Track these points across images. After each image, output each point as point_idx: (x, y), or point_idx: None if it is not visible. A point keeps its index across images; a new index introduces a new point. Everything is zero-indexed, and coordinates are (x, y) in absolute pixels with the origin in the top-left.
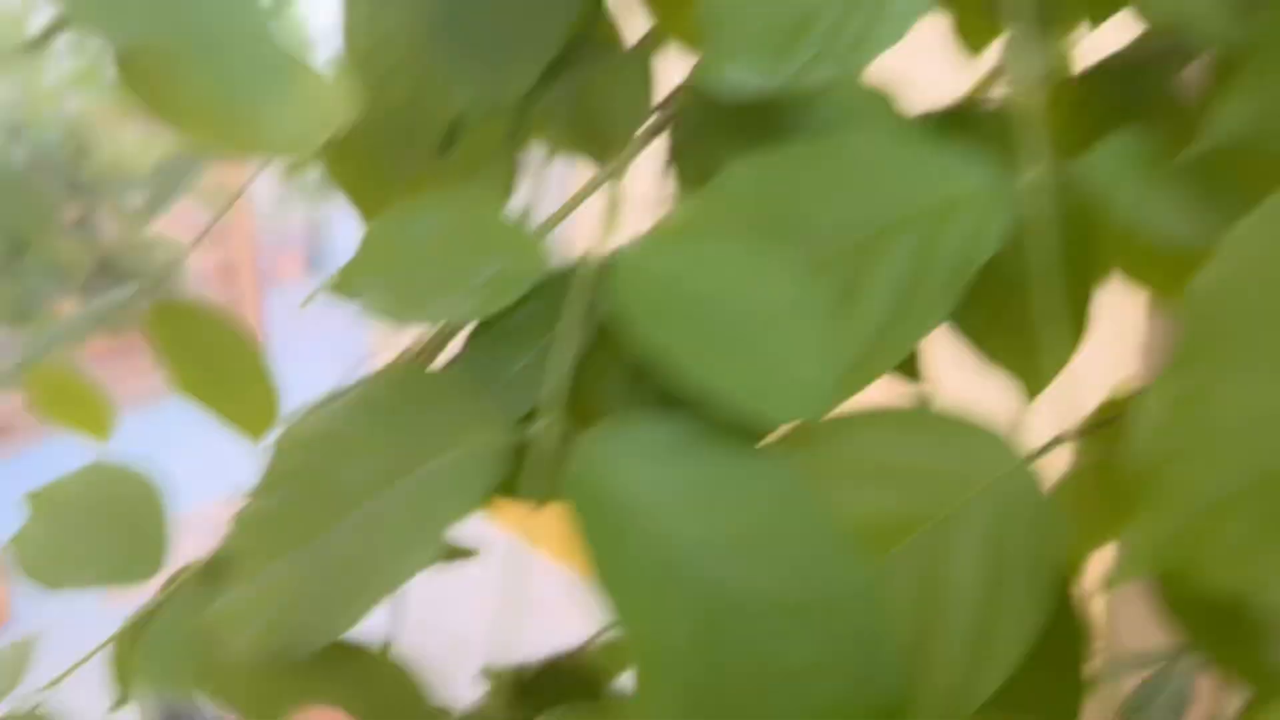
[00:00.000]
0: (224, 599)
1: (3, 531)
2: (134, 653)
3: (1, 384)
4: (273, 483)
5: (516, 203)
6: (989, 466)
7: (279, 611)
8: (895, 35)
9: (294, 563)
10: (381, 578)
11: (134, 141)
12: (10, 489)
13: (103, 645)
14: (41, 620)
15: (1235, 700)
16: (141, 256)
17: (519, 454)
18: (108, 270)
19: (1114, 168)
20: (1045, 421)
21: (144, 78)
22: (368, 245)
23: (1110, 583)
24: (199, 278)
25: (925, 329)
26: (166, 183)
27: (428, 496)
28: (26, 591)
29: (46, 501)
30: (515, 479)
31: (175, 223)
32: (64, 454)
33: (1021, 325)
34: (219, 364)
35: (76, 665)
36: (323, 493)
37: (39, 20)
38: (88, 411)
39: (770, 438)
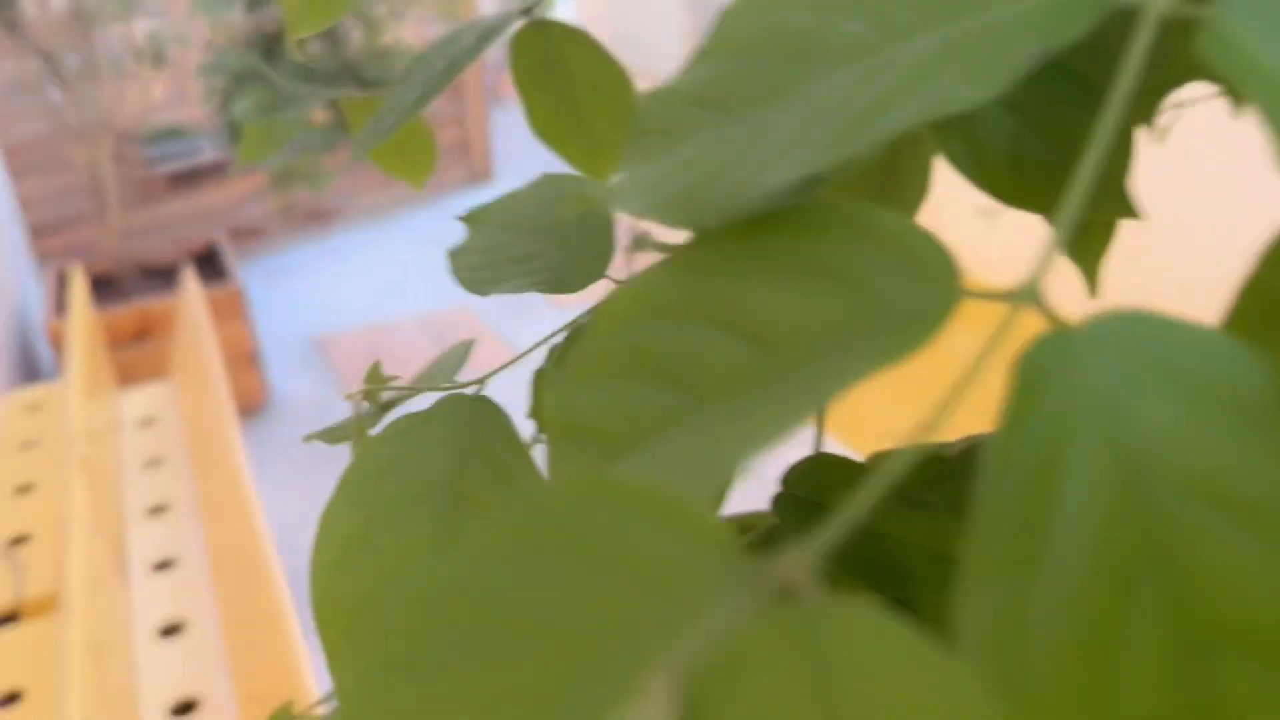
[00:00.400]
0: (629, 174)
1: (318, 305)
2: (553, 370)
3: (314, 182)
4: (709, 54)
5: None
6: None
7: (704, 175)
8: None
9: (735, 126)
10: (850, 136)
11: None
12: (325, 267)
13: (525, 353)
14: (291, 406)
15: None
16: (381, 63)
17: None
18: (350, 75)
19: None
20: None
21: None
22: None
23: None
24: None
25: None
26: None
27: (956, 51)
28: (280, 380)
29: (487, 217)
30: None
31: (412, 32)
32: (371, 236)
33: None
34: (580, 96)
35: (509, 363)
36: (792, 54)
37: None
38: (414, 151)
39: None
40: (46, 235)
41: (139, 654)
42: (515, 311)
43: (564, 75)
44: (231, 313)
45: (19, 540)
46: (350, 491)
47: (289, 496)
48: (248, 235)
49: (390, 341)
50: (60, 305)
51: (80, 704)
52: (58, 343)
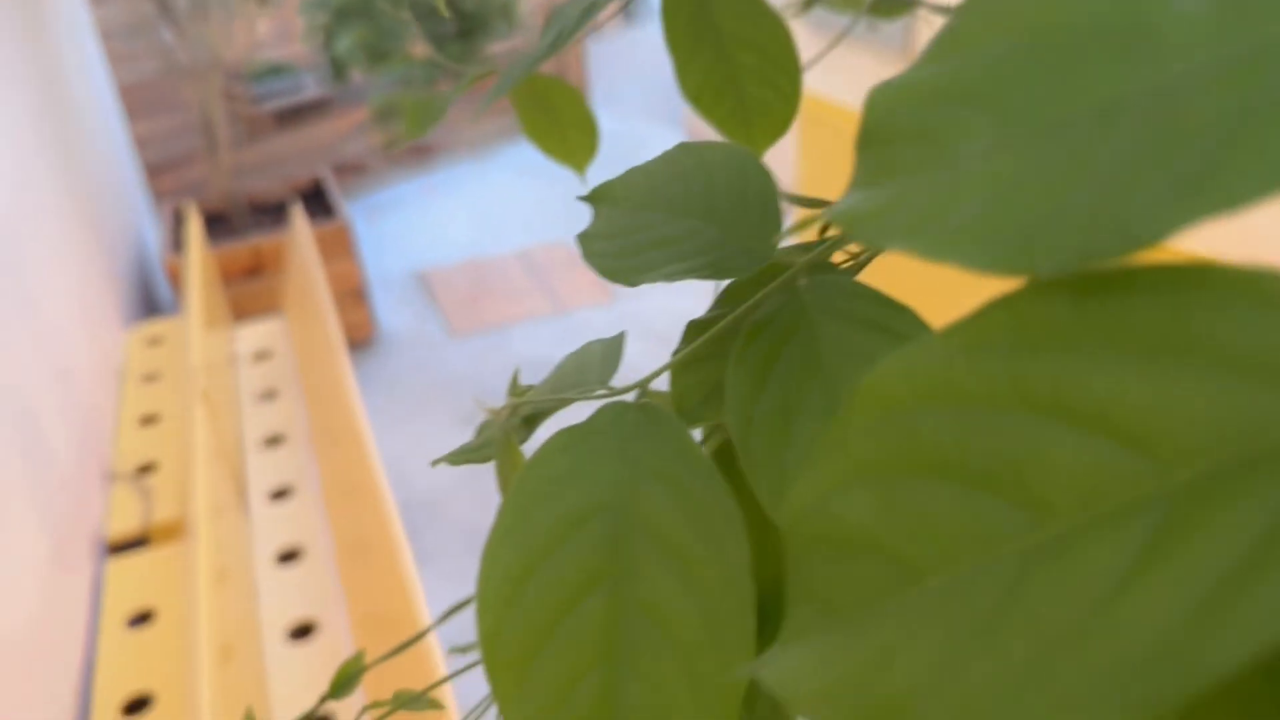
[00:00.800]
0: (878, 194)
1: (419, 240)
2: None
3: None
4: (967, 38)
5: None
6: None
7: (1010, 205)
8: None
9: (1033, 137)
10: (1254, 168)
11: None
12: (426, 202)
13: (663, 368)
14: (397, 340)
15: None
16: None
17: None
18: (449, 5)
19: None
20: None
21: None
22: None
23: None
24: (525, 23)
25: None
26: None
27: None
28: (385, 315)
29: (615, 195)
30: None
31: None
32: (470, 170)
33: None
34: (735, 56)
35: (664, 367)
36: (1098, 41)
37: None
38: (578, 136)
39: None
40: (160, 174)
41: (259, 579)
42: None
43: (718, 33)
44: (339, 248)
45: (146, 468)
46: (512, 519)
47: (397, 428)
48: (350, 171)
49: (490, 276)
50: (176, 242)
51: (208, 625)
52: (175, 278)
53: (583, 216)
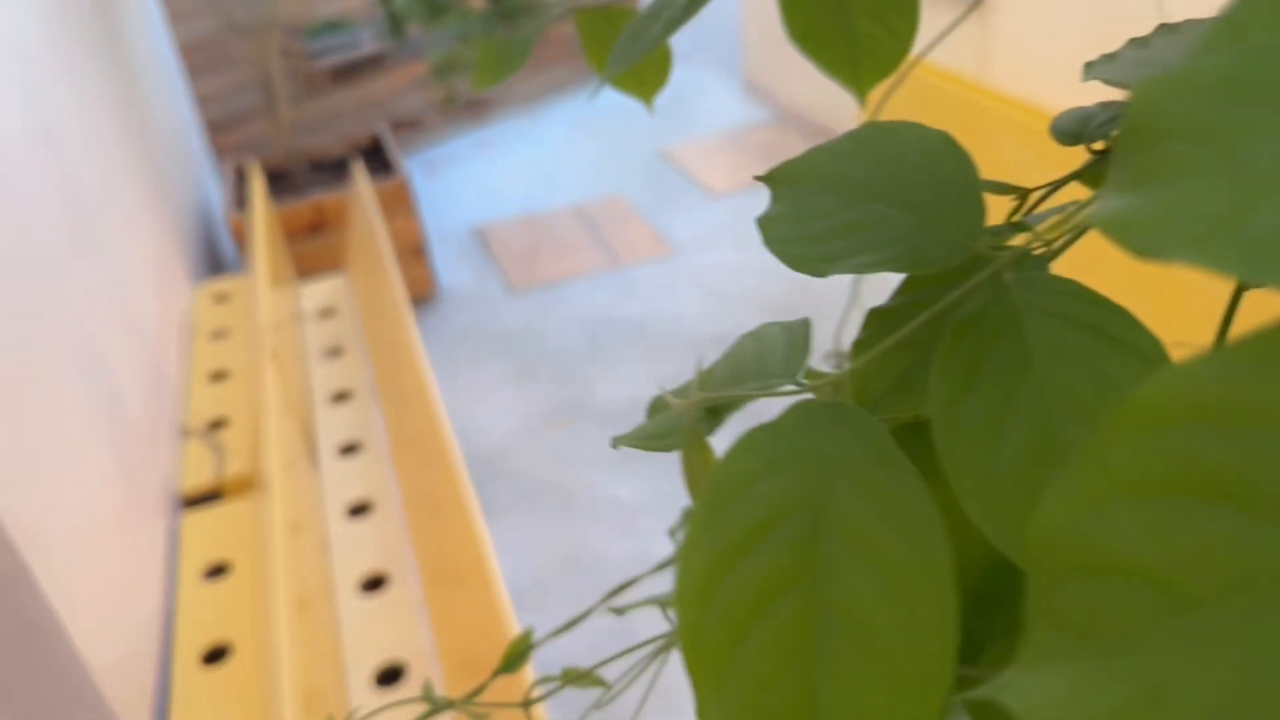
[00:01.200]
0: (1150, 198)
1: (476, 195)
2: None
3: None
4: (1255, 25)
5: None
6: None
7: None
8: None
9: None
10: None
11: None
12: (482, 157)
13: (855, 367)
14: (456, 296)
15: None
16: None
17: None
18: None
19: None
20: None
21: None
22: None
23: None
24: None
25: None
26: None
27: None
28: (444, 271)
29: (796, 177)
30: None
31: None
32: (525, 125)
33: None
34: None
35: (848, 371)
36: None
37: None
38: (648, 68)
39: None
40: (222, 131)
41: (330, 532)
42: (667, 200)
43: None
44: (399, 205)
45: (217, 424)
46: (707, 514)
47: (457, 384)
48: (406, 127)
49: (547, 231)
50: (239, 199)
51: (285, 577)
52: (239, 235)
53: (637, 171)
